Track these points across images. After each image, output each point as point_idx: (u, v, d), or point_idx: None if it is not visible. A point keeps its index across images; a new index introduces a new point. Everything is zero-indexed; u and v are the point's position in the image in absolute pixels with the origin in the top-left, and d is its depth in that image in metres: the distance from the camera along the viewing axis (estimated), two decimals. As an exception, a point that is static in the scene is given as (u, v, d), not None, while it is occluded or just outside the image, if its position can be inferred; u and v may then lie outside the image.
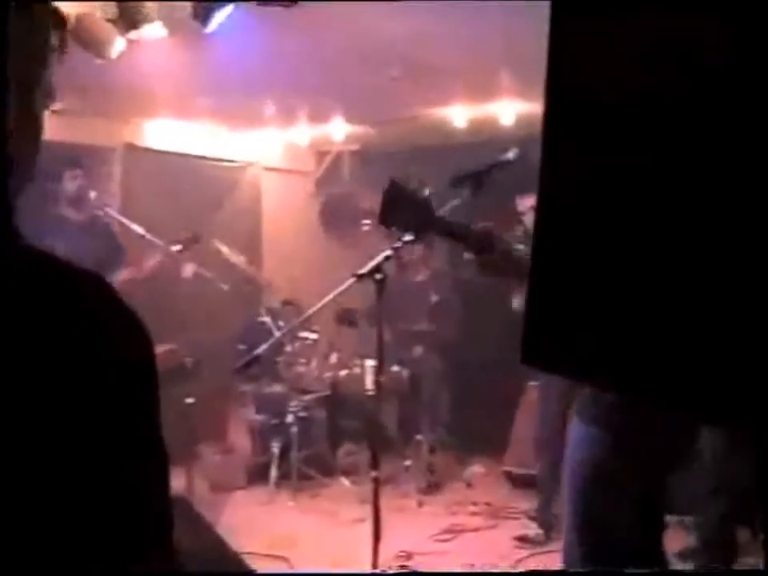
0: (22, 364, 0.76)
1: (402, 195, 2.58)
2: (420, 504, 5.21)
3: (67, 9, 3.47)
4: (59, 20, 0.93)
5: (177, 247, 4.85)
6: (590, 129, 0.79)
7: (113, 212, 4.82)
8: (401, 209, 2.58)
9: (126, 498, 0.81)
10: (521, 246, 2.61)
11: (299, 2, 3.34)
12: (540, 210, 0.83)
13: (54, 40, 0.91)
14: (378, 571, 3.11)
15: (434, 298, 5.98)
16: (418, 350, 5.93)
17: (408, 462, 5.56)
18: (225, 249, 5.39)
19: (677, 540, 3.77)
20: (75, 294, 0.82)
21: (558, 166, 0.81)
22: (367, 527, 3.18)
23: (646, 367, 0.79)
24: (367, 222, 6.30)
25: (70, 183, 4.79)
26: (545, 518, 4.52)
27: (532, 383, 5.24)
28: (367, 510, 3.29)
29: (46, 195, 4.88)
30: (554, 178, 0.81)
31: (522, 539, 4.48)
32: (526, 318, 0.85)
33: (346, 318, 5.98)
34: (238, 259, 5.50)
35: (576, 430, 2.31)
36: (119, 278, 4.75)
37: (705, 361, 0.74)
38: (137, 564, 0.81)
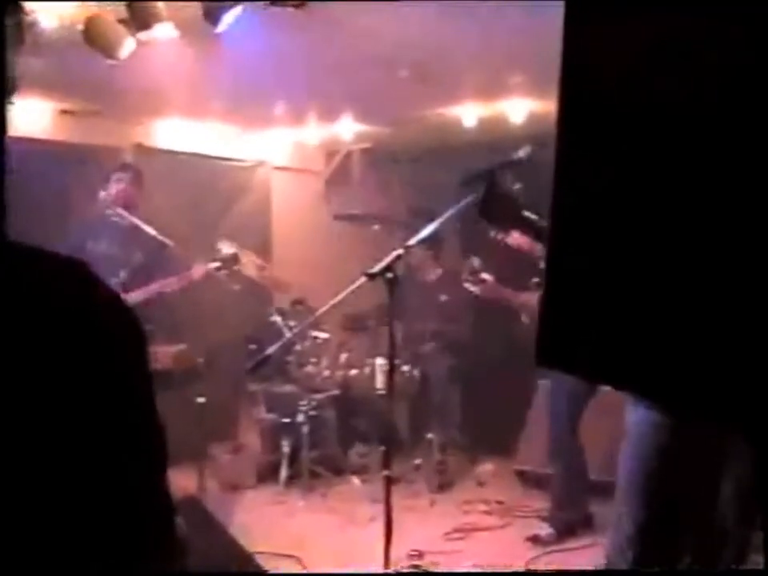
0: (5, 356, 0.75)
1: (500, 191, 2.67)
2: (431, 503, 5.20)
3: (78, 10, 3.48)
4: (13, 8, 0.88)
5: (215, 264, 4.85)
6: (604, 128, 0.79)
7: (123, 212, 4.81)
8: (498, 203, 2.66)
9: (123, 492, 0.79)
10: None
11: (309, 3, 3.34)
12: (554, 210, 0.83)
13: (11, 30, 0.86)
14: (390, 571, 3.11)
15: (445, 297, 5.97)
16: (429, 349, 5.92)
17: (419, 461, 5.55)
18: (243, 255, 5.33)
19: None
20: (57, 282, 0.81)
21: (571, 168, 0.81)
22: (379, 526, 3.19)
23: (659, 367, 0.79)
24: (376, 220, 6.28)
25: (115, 186, 4.83)
26: (557, 519, 4.51)
27: (543, 381, 5.22)
28: (379, 509, 3.30)
29: (95, 197, 4.92)
30: (568, 180, 0.81)
31: (534, 539, 4.47)
32: (541, 319, 0.85)
33: (353, 324, 5.98)
34: (250, 261, 5.47)
35: (638, 414, 2.34)
36: (165, 287, 4.76)
37: (717, 362, 0.74)
38: (140, 559, 0.81)
